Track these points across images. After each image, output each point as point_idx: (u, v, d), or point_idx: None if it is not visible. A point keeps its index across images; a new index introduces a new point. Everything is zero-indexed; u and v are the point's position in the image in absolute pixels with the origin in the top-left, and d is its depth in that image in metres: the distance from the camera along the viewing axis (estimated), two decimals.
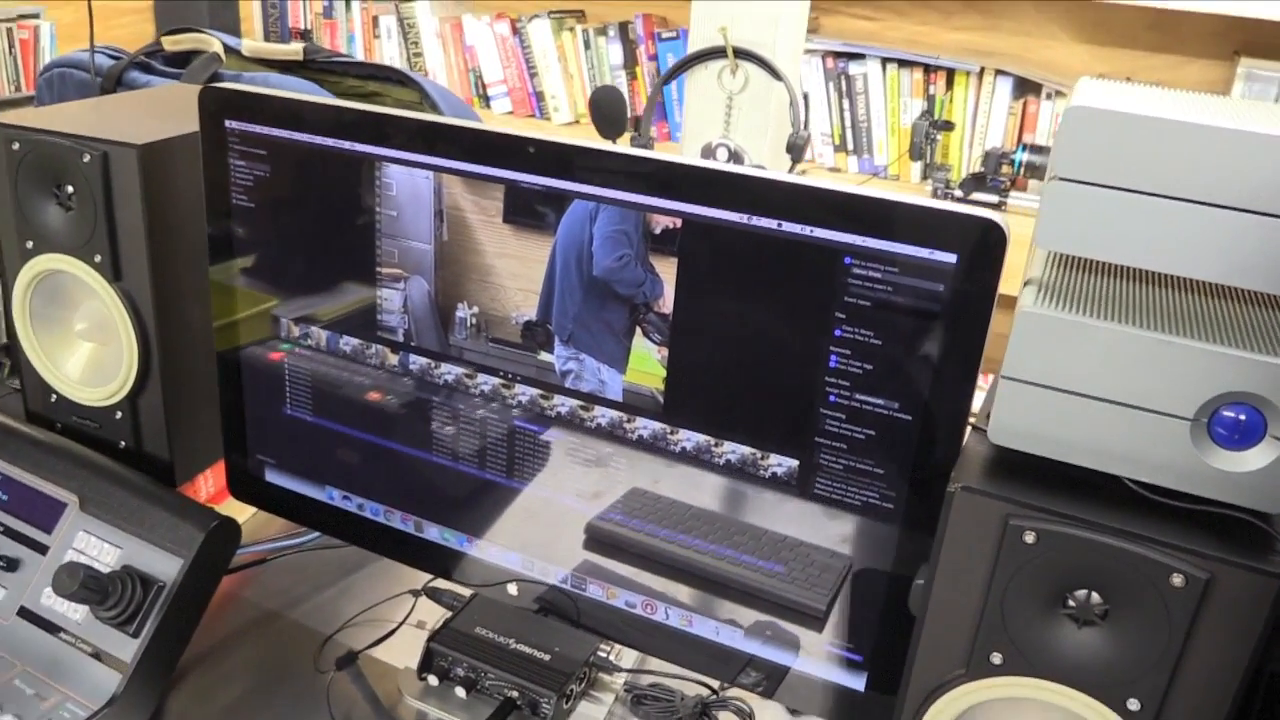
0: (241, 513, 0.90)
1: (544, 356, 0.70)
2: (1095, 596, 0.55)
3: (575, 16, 2.61)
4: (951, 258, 0.56)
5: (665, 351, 0.66)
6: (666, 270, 0.64)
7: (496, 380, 0.73)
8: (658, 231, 0.63)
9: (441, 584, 0.90)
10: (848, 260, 0.59)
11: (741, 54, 0.84)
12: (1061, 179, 0.54)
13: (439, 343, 0.74)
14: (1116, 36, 2.13)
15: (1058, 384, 0.55)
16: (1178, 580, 0.52)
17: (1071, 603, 0.55)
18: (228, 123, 0.76)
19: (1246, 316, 0.56)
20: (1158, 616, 0.53)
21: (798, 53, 0.90)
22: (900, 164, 2.24)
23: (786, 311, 0.61)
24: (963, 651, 0.59)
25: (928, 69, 2.20)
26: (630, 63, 2.52)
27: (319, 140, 0.72)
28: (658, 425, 0.68)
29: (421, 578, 0.91)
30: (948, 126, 2.10)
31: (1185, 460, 0.53)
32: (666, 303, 0.65)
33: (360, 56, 2.56)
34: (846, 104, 2.26)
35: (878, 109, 2.26)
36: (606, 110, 0.94)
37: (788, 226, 0.60)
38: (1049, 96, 2.12)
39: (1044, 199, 0.55)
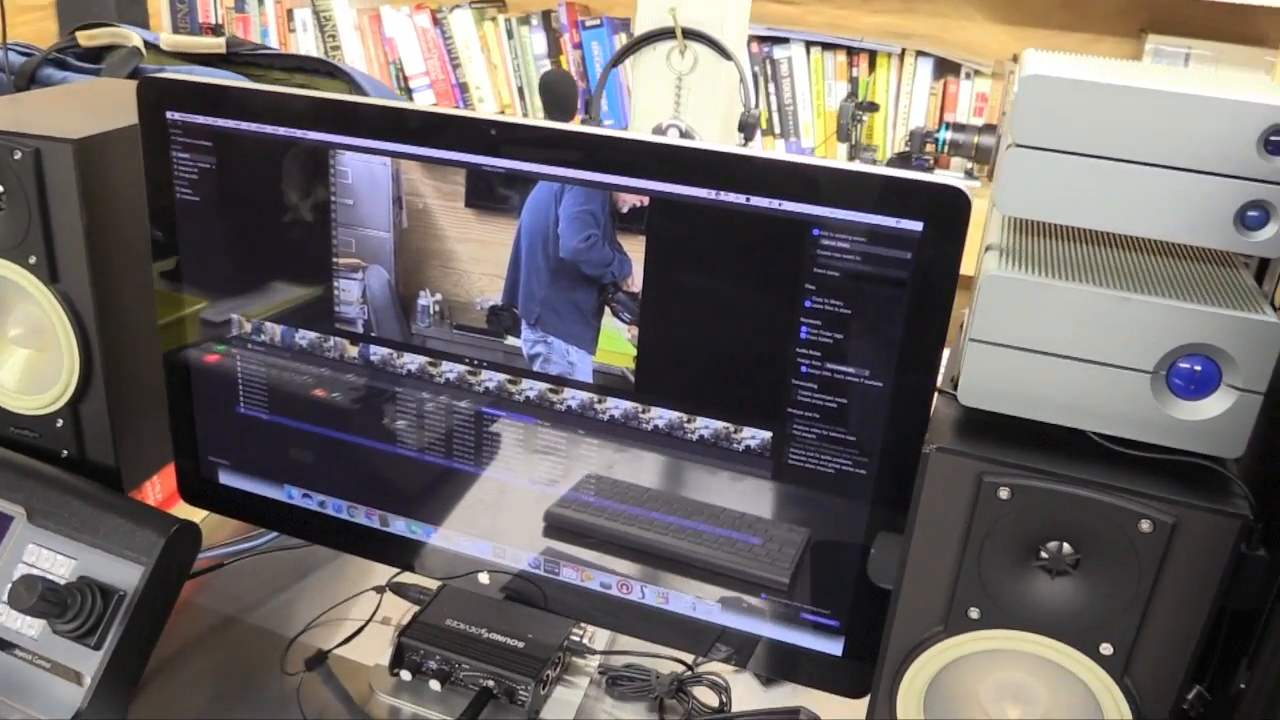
0: (191, 517, 0.87)
1: (510, 341, 0.70)
2: (1067, 547, 0.57)
3: (496, 6, 2.58)
4: (917, 226, 0.58)
5: (635, 330, 0.66)
6: (634, 249, 0.64)
7: (462, 367, 0.72)
8: (624, 210, 0.64)
9: (406, 578, 0.89)
10: (816, 232, 0.60)
11: (690, 34, 0.85)
12: (1019, 145, 0.56)
13: (401, 332, 0.73)
14: (1029, 16, 2.20)
15: (1024, 344, 0.56)
16: (1145, 526, 0.54)
17: (1044, 554, 0.57)
18: (169, 114, 0.73)
19: (1197, 272, 0.58)
20: (1127, 562, 0.55)
21: (744, 32, 0.91)
22: (827, 146, 2.28)
23: (756, 285, 0.62)
24: (940, 609, 0.60)
25: (850, 51, 2.23)
26: (554, 52, 2.50)
27: (269, 129, 0.71)
28: (629, 404, 0.68)
29: (383, 574, 0.90)
30: (873, 108, 2.14)
31: (1147, 412, 0.55)
32: (635, 281, 0.65)
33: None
34: (772, 88, 2.29)
35: (803, 92, 2.29)
36: (557, 93, 0.93)
37: (756, 201, 0.60)
38: (968, 76, 2.17)
39: (1002, 165, 0.57)
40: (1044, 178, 0.56)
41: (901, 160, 2.08)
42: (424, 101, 2.62)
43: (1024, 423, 0.58)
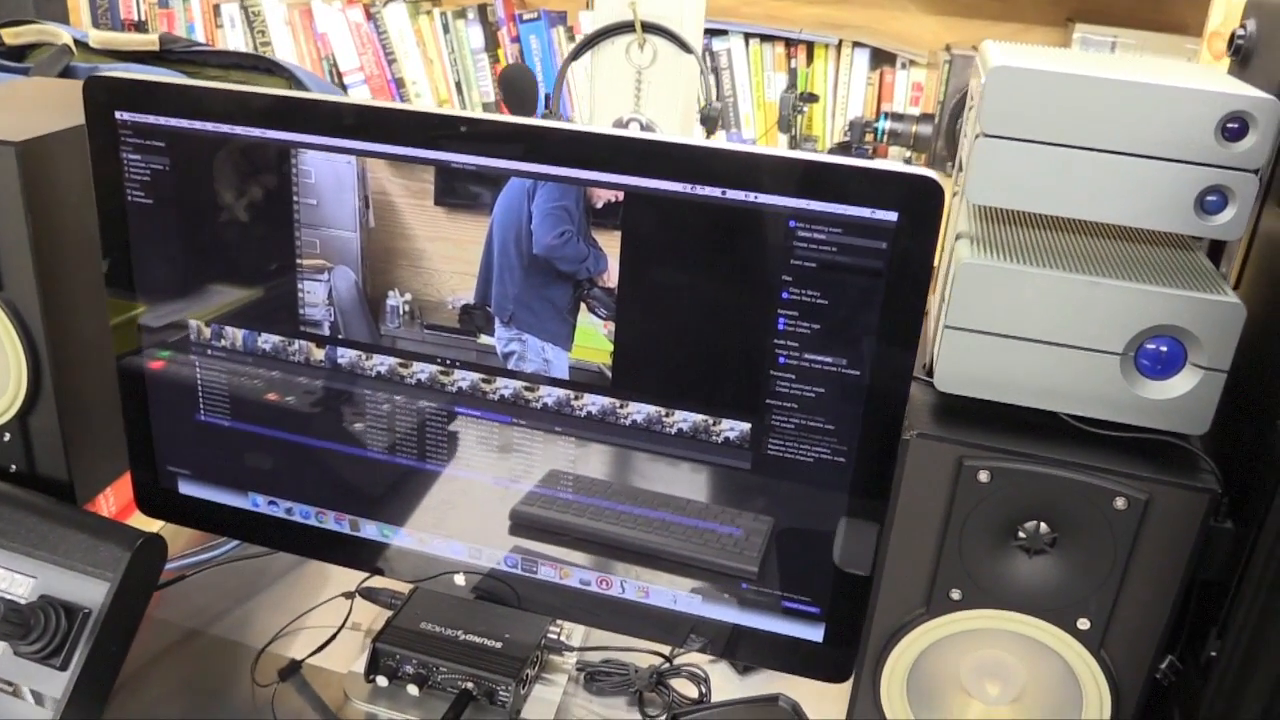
0: (147, 529, 0.85)
1: (484, 340, 0.69)
2: (1044, 526, 0.58)
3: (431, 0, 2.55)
4: (892, 216, 0.58)
5: (611, 326, 0.66)
6: (609, 244, 0.64)
7: (434, 368, 0.71)
8: (599, 205, 0.63)
9: (376, 583, 0.87)
10: (792, 224, 0.60)
11: (650, 28, 0.85)
12: (988, 135, 0.57)
13: (369, 334, 0.72)
14: (961, 7, 2.24)
15: (998, 330, 0.58)
16: (1120, 503, 0.56)
17: (1022, 534, 0.59)
18: (118, 114, 0.71)
19: (1156, 256, 0.60)
20: (1103, 539, 0.57)
21: (701, 25, 0.91)
22: (769, 137, 2.30)
23: (733, 278, 0.62)
24: (922, 591, 0.61)
25: (788, 43, 2.25)
26: (492, 46, 2.48)
27: (226, 129, 0.69)
28: (606, 400, 0.68)
29: (349, 579, 0.89)
30: (812, 99, 2.16)
31: (1117, 392, 0.57)
32: (611, 277, 0.65)
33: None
34: (713, 80, 2.30)
35: (743, 84, 2.30)
36: (518, 88, 0.92)
37: (731, 194, 0.60)
38: (904, 66, 2.21)
39: (972, 155, 0.58)
40: (1013, 167, 0.57)
41: (842, 150, 2.10)
42: (359, 97, 2.57)
43: (999, 407, 0.59)
